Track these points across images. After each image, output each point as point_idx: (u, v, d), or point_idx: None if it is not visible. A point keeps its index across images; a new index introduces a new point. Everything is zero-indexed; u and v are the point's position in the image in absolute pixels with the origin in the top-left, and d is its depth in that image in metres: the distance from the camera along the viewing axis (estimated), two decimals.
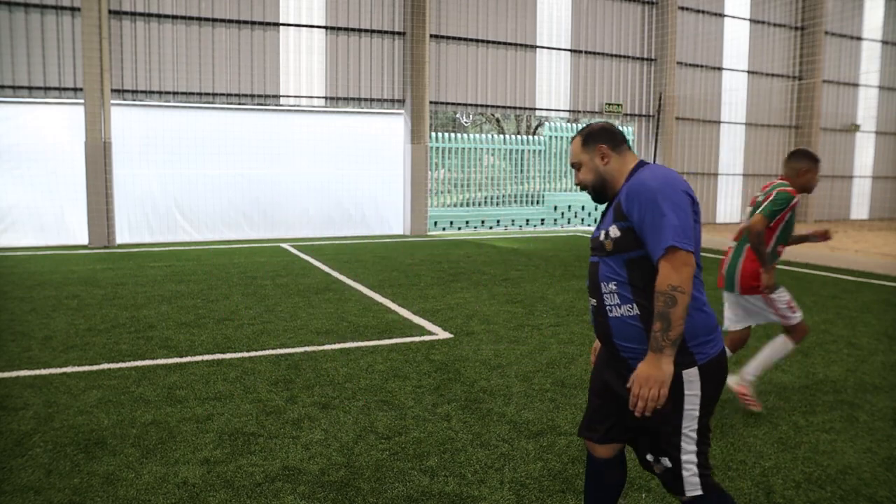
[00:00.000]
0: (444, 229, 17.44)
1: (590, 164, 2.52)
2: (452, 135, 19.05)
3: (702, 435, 2.36)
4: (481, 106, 16.82)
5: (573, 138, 2.60)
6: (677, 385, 2.30)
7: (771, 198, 4.56)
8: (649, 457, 2.45)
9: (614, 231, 2.37)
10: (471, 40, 16.26)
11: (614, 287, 2.38)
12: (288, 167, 15.00)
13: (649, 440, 2.42)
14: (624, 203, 2.36)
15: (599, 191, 2.54)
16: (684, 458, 2.35)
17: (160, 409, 4.36)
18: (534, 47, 17.05)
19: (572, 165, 2.60)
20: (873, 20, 22.24)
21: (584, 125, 2.63)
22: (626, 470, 2.64)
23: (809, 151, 4.74)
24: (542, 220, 19.07)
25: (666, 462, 2.38)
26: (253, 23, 14.23)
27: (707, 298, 2.40)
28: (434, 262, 11.26)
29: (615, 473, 2.61)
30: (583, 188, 2.59)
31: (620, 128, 20.38)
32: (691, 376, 2.31)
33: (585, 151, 2.53)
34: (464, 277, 9.69)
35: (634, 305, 2.34)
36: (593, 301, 2.48)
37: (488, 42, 16.47)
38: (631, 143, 19.95)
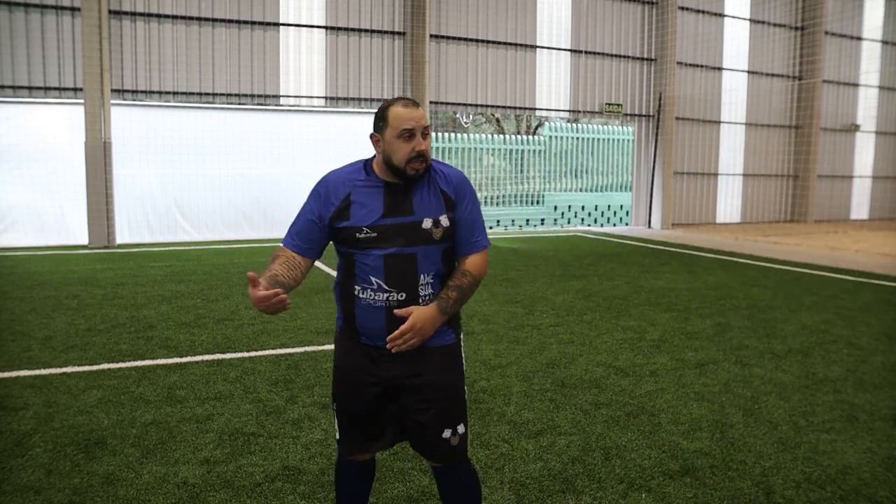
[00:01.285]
0: None
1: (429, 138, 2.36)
2: (452, 135, 19.04)
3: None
4: (481, 106, 16.81)
5: (414, 105, 2.30)
6: (458, 352, 2.46)
7: None
8: (447, 432, 2.41)
9: (445, 221, 2.32)
10: (471, 40, 16.26)
11: (431, 278, 2.33)
12: (288, 167, 14.99)
13: (444, 414, 2.40)
14: (453, 194, 2.35)
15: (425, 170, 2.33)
16: (468, 421, 2.51)
17: (160, 409, 4.36)
18: (534, 47, 17.05)
19: (424, 132, 2.30)
20: (873, 20, 22.22)
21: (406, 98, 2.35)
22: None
23: None
24: (542, 220, 19.07)
25: (461, 429, 2.44)
26: (253, 23, 14.22)
27: None
28: None
29: (372, 470, 2.68)
30: (423, 160, 2.29)
31: (620, 128, 20.45)
32: (462, 345, 2.52)
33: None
34: None
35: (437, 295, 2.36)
36: (400, 295, 2.29)
37: (488, 42, 16.46)
38: (631, 143, 19.95)
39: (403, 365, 2.37)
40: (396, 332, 2.27)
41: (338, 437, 2.55)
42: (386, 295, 2.29)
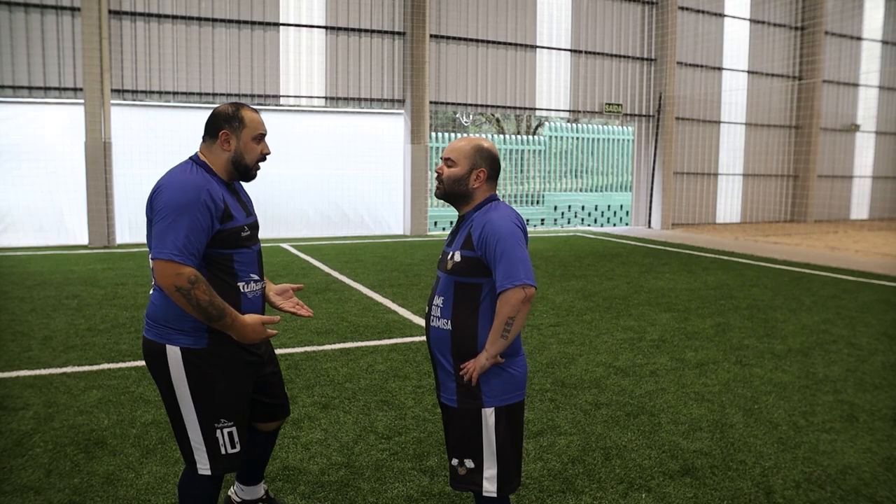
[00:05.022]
0: (444, 229, 17.44)
1: None
2: (452, 135, 19.04)
3: None
4: (481, 106, 16.81)
5: (258, 112, 2.67)
6: None
7: None
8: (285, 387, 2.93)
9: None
10: (471, 40, 16.25)
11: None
12: (288, 167, 14.99)
13: (280, 375, 2.86)
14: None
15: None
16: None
17: (160, 408, 4.36)
18: (534, 47, 17.05)
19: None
20: (873, 20, 22.22)
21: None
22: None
23: None
24: (542, 220, 19.08)
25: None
26: (253, 23, 14.22)
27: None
28: (434, 262, 11.26)
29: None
30: (263, 162, 2.63)
31: (620, 128, 20.44)
32: None
33: None
34: None
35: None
36: (263, 284, 2.67)
37: (488, 42, 16.46)
38: (631, 143, 19.95)
39: (265, 342, 2.73)
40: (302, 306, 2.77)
41: (235, 450, 2.51)
42: (260, 285, 2.61)
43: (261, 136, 2.54)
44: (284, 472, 3.49)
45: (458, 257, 2.41)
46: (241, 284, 2.50)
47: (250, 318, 2.45)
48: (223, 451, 2.49)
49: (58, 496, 3.21)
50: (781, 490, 3.38)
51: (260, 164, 2.57)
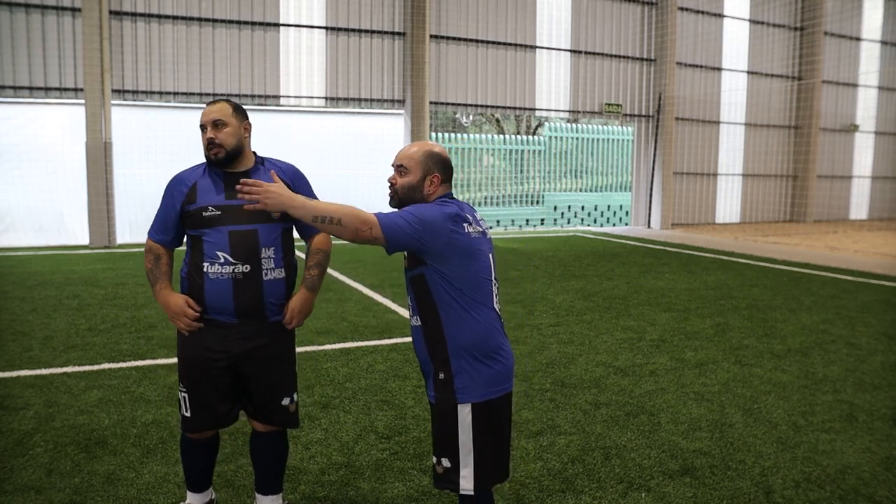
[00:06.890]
0: None
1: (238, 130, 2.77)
2: (452, 135, 19.05)
3: None
4: (481, 106, 16.82)
5: (213, 103, 2.77)
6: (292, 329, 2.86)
7: None
8: (286, 400, 2.82)
9: None
10: (471, 40, 16.26)
11: (272, 252, 2.70)
12: None
13: (283, 383, 2.80)
14: (289, 181, 2.87)
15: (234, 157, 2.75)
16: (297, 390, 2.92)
17: (161, 408, 4.36)
18: (534, 47, 17.06)
19: (213, 123, 2.72)
20: (872, 20, 22.23)
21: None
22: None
23: None
24: (542, 220, 19.08)
25: (295, 396, 2.87)
26: (253, 23, 14.23)
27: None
28: None
29: (216, 444, 2.97)
30: (215, 147, 2.72)
31: (620, 128, 20.46)
32: None
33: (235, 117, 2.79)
34: None
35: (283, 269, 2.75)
36: (245, 267, 2.62)
37: (488, 42, 16.47)
38: (631, 143, 19.96)
39: (251, 338, 2.70)
40: (287, 316, 2.74)
41: (188, 415, 2.76)
42: (232, 268, 2.62)
43: (203, 128, 2.74)
44: (284, 471, 3.49)
45: (406, 253, 2.45)
46: (205, 264, 2.64)
47: (175, 298, 2.68)
48: (182, 412, 2.78)
49: (58, 496, 3.21)
50: (781, 490, 3.39)
51: (211, 150, 2.71)
